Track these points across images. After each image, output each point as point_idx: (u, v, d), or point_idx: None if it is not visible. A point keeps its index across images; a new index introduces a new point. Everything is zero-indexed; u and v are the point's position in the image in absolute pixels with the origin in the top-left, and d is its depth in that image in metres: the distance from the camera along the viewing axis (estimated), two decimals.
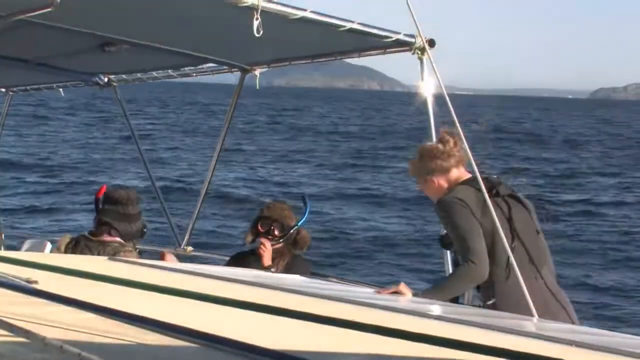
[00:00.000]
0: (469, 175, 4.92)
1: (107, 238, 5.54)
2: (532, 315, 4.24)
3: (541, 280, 4.72)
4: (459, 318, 3.09)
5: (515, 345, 2.32)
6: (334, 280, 5.77)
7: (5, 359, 1.65)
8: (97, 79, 8.57)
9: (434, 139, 5.82)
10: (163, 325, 2.03)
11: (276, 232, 5.98)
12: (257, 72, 7.53)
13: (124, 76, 8.55)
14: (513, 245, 4.61)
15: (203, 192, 8.20)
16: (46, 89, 9.36)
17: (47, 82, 9.20)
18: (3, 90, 9.83)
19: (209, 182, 8.14)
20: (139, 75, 8.35)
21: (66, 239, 5.79)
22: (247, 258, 6.07)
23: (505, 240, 4.52)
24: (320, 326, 2.11)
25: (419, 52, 6.01)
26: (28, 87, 9.67)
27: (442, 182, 4.92)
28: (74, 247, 5.56)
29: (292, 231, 5.99)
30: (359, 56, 6.59)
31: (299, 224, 6.03)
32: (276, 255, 5.95)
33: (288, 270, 5.79)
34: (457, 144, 4.96)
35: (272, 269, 5.83)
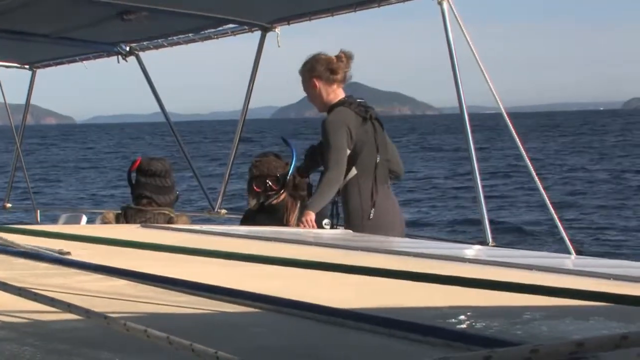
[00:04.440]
0: (343, 95, 5.66)
1: (154, 207, 5.52)
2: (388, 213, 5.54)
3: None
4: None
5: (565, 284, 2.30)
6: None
7: (37, 329, 1.65)
8: (118, 48, 8.55)
9: (463, 97, 5.82)
10: (197, 286, 2.02)
11: (274, 187, 5.96)
12: (278, 29, 7.46)
13: (145, 43, 8.52)
14: (377, 159, 5.58)
15: (232, 155, 8.19)
16: (69, 62, 9.35)
17: (69, 56, 9.20)
18: (27, 66, 9.85)
19: (237, 144, 8.13)
20: (160, 41, 8.32)
21: (110, 214, 5.75)
22: (258, 215, 6.01)
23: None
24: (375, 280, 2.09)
25: None
26: (51, 62, 9.67)
27: (322, 88, 5.64)
28: (125, 218, 5.50)
29: (288, 178, 5.95)
30: (379, 6, 6.50)
31: (291, 170, 5.99)
32: (286, 208, 5.93)
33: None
34: (348, 64, 5.69)
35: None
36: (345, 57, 5.68)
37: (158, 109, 8.97)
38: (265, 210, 5.98)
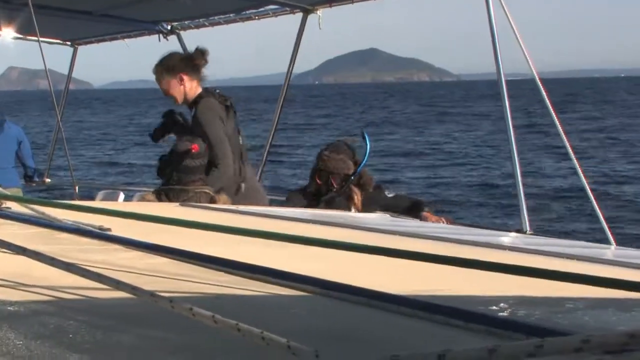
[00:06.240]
0: (201, 89, 5.95)
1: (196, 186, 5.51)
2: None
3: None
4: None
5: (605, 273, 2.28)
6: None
7: (82, 304, 1.66)
8: (160, 27, 8.58)
9: (501, 68, 5.83)
10: (237, 265, 2.02)
11: (335, 184, 5.94)
12: (320, 11, 7.45)
13: (186, 22, 8.54)
14: (241, 140, 6.06)
15: (271, 134, 8.20)
16: (110, 39, 9.40)
17: (111, 33, 9.25)
18: (69, 43, 9.91)
19: (275, 125, 8.13)
20: (201, 20, 8.34)
21: (151, 195, 5.74)
22: (311, 202, 6.02)
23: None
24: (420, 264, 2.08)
25: None
26: (93, 39, 9.73)
27: (186, 83, 5.90)
28: (168, 197, 5.47)
29: (352, 178, 5.92)
30: None
31: (358, 170, 5.96)
32: (350, 197, 5.92)
33: (368, 203, 5.80)
34: (205, 60, 5.96)
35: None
36: (202, 54, 5.98)
37: None
38: (323, 202, 5.99)
